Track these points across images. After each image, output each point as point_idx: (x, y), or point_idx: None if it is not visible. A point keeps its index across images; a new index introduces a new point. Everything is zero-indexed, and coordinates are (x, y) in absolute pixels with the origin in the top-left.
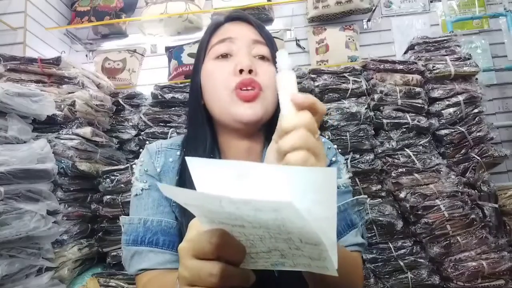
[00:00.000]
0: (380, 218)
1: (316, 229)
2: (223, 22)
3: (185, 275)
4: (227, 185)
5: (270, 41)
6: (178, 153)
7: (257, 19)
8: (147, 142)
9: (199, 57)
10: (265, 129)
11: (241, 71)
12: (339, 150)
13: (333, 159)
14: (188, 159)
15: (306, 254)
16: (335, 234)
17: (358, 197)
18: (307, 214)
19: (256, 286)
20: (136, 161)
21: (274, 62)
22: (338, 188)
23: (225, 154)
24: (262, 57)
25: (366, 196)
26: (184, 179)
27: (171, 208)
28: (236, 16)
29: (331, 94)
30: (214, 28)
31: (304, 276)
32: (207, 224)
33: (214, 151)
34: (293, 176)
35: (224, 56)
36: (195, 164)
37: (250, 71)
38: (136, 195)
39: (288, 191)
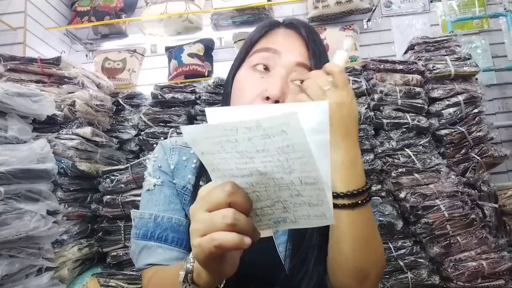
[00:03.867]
0: (380, 218)
1: (314, 160)
2: (277, 25)
3: (198, 227)
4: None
5: (318, 58)
6: (192, 151)
7: (257, 19)
8: (153, 142)
9: (241, 53)
10: None
11: (267, 98)
12: None
13: None
14: (207, 110)
15: (306, 200)
16: (329, 174)
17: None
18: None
19: None
20: (149, 156)
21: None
22: None
23: None
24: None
25: (378, 198)
26: (199, 177)
27: (182, 205)
28: (291, 24)
29: None
30: (266, 30)
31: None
32: (219, 179)
33: None
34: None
35: (261, 69)
36: (212, 114)
37: (277, 101)
38: (148, 190)
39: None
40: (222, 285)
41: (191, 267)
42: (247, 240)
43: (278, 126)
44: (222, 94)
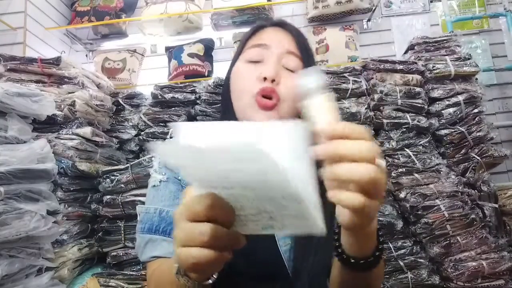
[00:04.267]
0: (380, 218)
1: (294, 184)
2: (265, 26)
3: (180, 237)
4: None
5: (306, 53)
6: None
7: (257, 19)
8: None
9: (235, 54)
10: None
11: (265, 78)
12: None
13: None
14: (174, 125)
15: (292, 213)
16: (315, 192)
17: None
18: (284, 169)
19: None
20: (154, 154)
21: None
22: None
23: None
24: (290, 70)
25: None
26: None
27: None
28: (278, 23)
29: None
30: (255, 30)
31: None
32: (200, 189)
33: None
34: (269, 131)
35: (255, 61)
36: (184, 131)
37: (272, 81)
38: (154, 186)
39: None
40: (215, 276)
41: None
42: (225, 255)
43: (248, 154)
44: (221, 93)
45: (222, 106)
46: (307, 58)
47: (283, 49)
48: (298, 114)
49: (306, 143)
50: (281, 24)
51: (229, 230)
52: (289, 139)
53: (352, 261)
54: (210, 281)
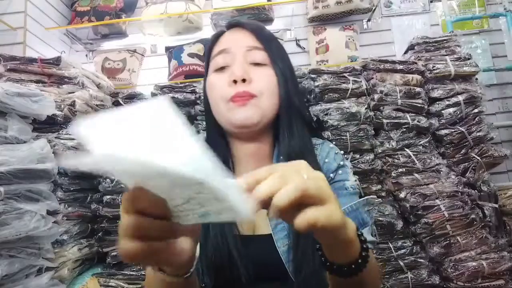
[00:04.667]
0: (380, 218)
1: (178, 168)
2: (224, 31)
3: (119, 228)
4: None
5: (269, 44)
6: None
7: (256, 19)
8: None
9: (206, 68)
10: (272, 132)
11: (235, 81)
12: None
13: (341, 163)
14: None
15: (210, 196)
16: (219, 170)
17: (368, 197)
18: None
19: None
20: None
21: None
22: (346, 189)
23: (236, 158)
24: (258, 63)
25: (375, 196)
26: None
27: None
28: (233, 24)
29: (331, 94)
30: (215, 39)
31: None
32: (128, 182)
33: (227, 157)
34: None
35: (222, 68)
36: (83, 130)
37: (243, 80)
38: None
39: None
40: (190, 273)
41: None
42: (154, 246)
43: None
44: (204, 110)
45: (207, 123)
46: (270, 47)
47: (244, 47)
48: (280, 103)
49: (172, 118)
50: (238, 24)
51: (160, 222)
52: (153, 121)
53: (336, 267)
54: (188, 275)
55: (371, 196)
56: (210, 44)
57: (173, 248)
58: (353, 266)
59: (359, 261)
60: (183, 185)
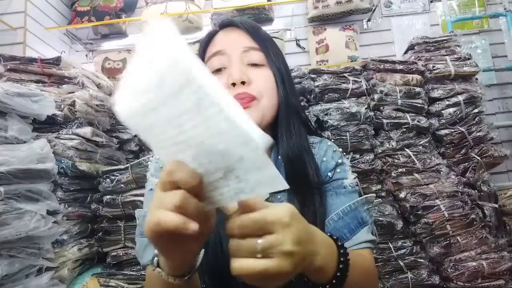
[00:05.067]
0: (380, 218)
1: (232, 117)
2: (218, 31)
3: (154, 204)
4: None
5: (264, 44)
6: None
7: (257, 19)
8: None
9: None
10: (270, 132)
11: (233, 84)
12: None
13: (339, 161)
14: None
15: (251, 163)
16: (258, 132)
17: (367, 195)
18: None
19: None
20: (151, 158)
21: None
22: (345, 188)
23: None
24: (255, 64)
25: (374, 194)
26: None
27: None
28: (227, 23)
29: (331, 94)
30: (208, 39)
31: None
32: (161, 152)
33: None
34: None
35: (218, 70)
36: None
37: (243, 83)
38: (151, 189)
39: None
40: (189, 276)
41: (157, 251)
42: (192, 225)
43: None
44: None
45: None
46: (266, 48)
47: (240, 48)
48: (279, 104)
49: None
50: (231, 24)
51: (199, 202)
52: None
53: (314, 285)
54: (185, 278)
55: (370, 194)
56: (203, 45)
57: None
58: (328, 286)
59: (334, 281)
60: (225, 150)
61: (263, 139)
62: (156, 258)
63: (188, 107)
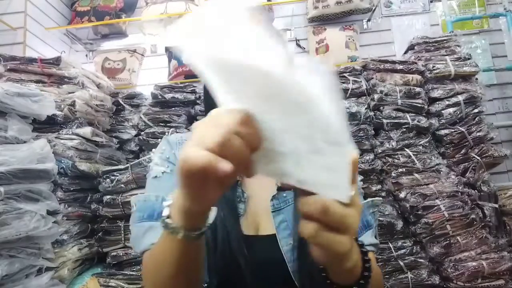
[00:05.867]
0: (380, 218)
1: (340, 123)
2: None
3: (193, 138)
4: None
5: None
6: None
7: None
8: (153, 142)
9: None
10: None
11: None
12: None
13: None
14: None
15: (324, 161)
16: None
17: (373, 199)
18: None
19: None
20: (154, 150)
21: None
22: None
23: None
24: None
25: (381, 198)
26: None
27: None
28: None
29: None
30: None
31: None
32: (233, 104)
33: None
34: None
35: None
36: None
37: None
38: (156, 176)
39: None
40: (200, 231)
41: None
42: (225, 166)
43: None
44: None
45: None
46: None
47: None
48: None
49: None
50: None
51: (247, 148)
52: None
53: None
54: (197, 233)
55: (377, 198)
56: None
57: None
58: (354, 287)
59: (361, 282)
60: (309, 134)
61: (353, 149)
62: (168, 209)
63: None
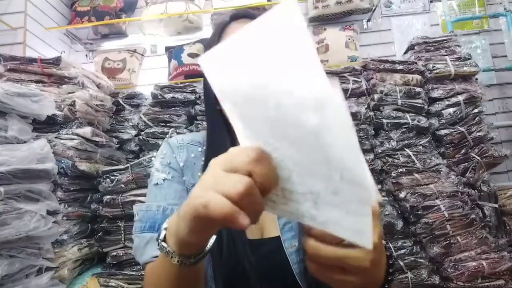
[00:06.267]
0: None
1: (360, 159)
2: (229, 21)
3: (207, 180)
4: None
5: None
6: (200, 149)
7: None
8: (153, 142)
9: None
10: None
11: None
12: None
13: None
14: (201, 60)
15: (342, 202)
16: (371, 181)
17: (378, 199)
18: (354, 135)
19: None
20: (155, 154)
21: None
22: None
23: None
24: None
25: (386, 198)
26: None
27: None
28: (243, 15)
29: None
30: (222, 29)
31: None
32: (248, 141)
33: None
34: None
35: None
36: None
37: None
38: (157, 184)
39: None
40: (198, 258)
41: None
42: (245, 221)
43: (313, 106)
44: (206, 110)
45: (209, 122)
46: None
47: None
48: None
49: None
50: (246, 15)
51: (262, 198)
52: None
53: None
54: (197, 261)
55: (382, 198)
56: (216, 38)
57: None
58: None
59: (386, 286)
60: (326, 174)
61: (378, 198)
62: (164, 232)
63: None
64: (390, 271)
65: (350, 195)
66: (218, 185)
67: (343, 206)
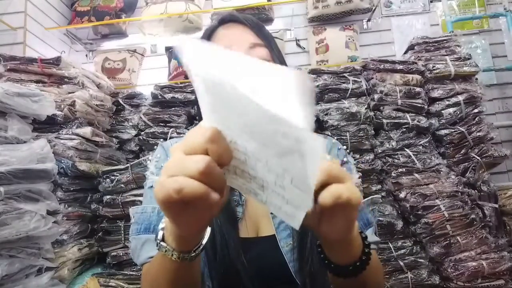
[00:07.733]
0: (380, 218)
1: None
2: (217, 26)
3: (170, 166)
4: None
5: (269, 41)
6: None
7: (257, 19)
8: (153, 142)
9: None
10: None
11: None
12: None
13: (344, 159)
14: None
15: (286, 196)
16: (315, 181)
17: (372, 196)
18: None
19: None
20: (150, 157)
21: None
22: None
23: None
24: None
25: (380, 195)
26: None
27: None
28: (230, 19)
29: (331, 94)
30: (209, 34)
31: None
32: (211, 124)
33: None
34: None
35: None
36: (188, 48)
37: None
38: (152, 186)
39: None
40: (195, 253)
41: (164, 225)
42: (214, 196)
43: (293, 138)
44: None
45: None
46: (270, 45)
47: (246, 44)
48: None
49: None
50: (233, 19)
51: (222, 171)
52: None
53: (335, 267)
54: (193, 255)
55: (376, 196)
56: (204, 40)
57: (205, 215)
58: (350, 267)
59: (358, 263)
60: (278, 173)
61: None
62: (162, 232)
63: (270, 139)
64: (366, 250)
65: (294, 194)
66: (182, 169)
67: (285, 198)
